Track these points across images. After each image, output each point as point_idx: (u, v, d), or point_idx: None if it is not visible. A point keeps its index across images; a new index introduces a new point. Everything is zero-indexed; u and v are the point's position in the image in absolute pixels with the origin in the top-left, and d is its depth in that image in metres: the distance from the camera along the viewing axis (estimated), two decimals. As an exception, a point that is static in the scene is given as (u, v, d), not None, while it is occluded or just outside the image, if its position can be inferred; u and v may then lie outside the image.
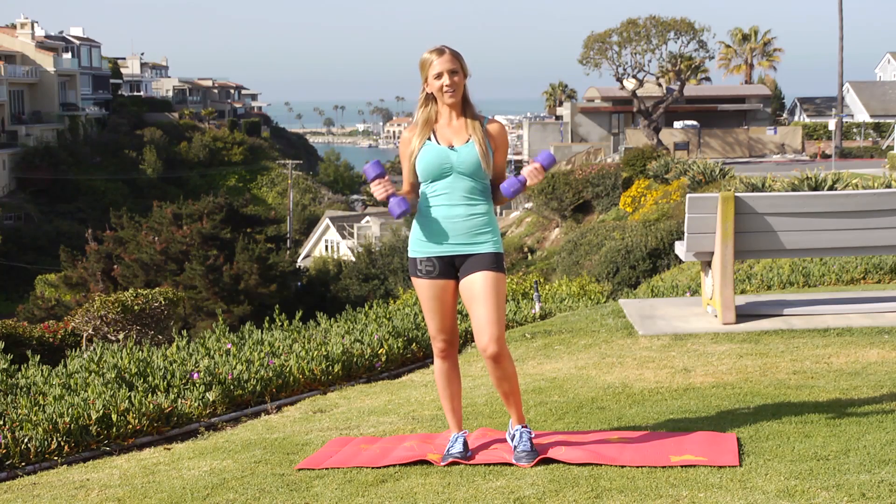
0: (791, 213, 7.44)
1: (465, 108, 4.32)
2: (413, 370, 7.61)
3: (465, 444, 4.42)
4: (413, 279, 4.39)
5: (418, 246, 4.34)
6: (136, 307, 12.78)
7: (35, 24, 72.29)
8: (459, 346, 6.70)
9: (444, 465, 4.32)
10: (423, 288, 4.34)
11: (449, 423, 4.52)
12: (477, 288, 4.24)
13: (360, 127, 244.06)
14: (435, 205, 4.28)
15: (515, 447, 4.34)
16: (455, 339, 4.43)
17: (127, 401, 5.72)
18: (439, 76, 4.23)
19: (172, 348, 7.21)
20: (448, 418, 4.50)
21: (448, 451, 4.39)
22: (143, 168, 69.69)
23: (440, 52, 4.26)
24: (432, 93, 4.29)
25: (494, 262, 4.27)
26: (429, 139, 4.29)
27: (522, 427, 4.38)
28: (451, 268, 4.33)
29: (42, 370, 6.74)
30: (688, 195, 7.56)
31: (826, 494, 3.64)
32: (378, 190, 4.21)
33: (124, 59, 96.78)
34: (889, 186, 18.58)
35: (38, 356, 6.96)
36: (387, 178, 4.25)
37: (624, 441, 4.49)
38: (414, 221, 4.38)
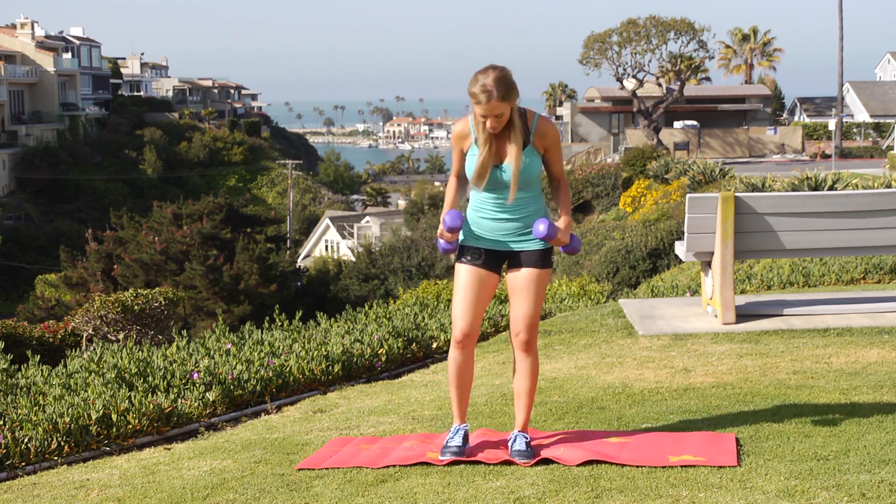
0: (791, 213, 7.44)
1: (513, 122, 4.27)
2: (413, 370, 7.61)
3: (466, 436, 4.45)
4: (456, 265, 4.45)
5: (470, 236, 4.43)
6: (136, 307, 12.77)
7: (35, 24, 72.29)
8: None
9: (445, 465, 4.33)
10: (463, 273, 4.40)
11: (453, 412, 4.52)
12: (521, 282, 4.37)
13: (360, 127, 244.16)
14: (484, 208, 4.39)
15: (511, 446, 4.38)
16: (475, 332, 4.44)
17: (127, 401, 5.72)
18: (484, 117, 4.23)
19: (172, 348, 7.20)
20: (454, 408, 4.52)
21: (447, 443, 4.42)
22: (143, 168, 69.68)
23: (488, 96, 4.15)
24: None
25: (541, 259, 4.38)
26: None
27: (519, 432, 4.42)
28: (496, 262, 4.42)
29: (42, 370, 6.74)
30: (688, 195, 7.56)
31: (826, 494, 3.64)
32: (443, 238, 4.35)
33: (124, 59, 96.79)
34: (889, 186, 18.58)
35: (38, 356, 6.96)
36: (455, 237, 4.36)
37: (623, 441, 4.50)
38: (467, 214, 4.47)
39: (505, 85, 4.17)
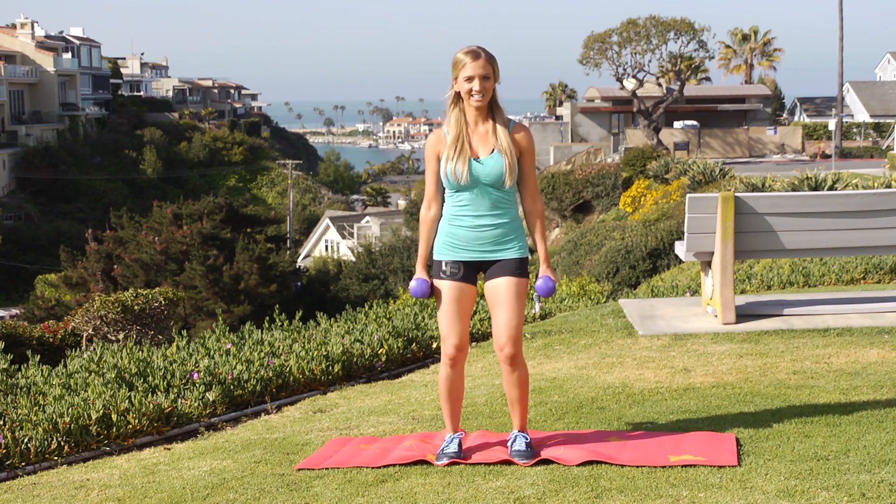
0: (791, 213, 7.44)
1: (493, 112, 4.30)
2: (413, 370, 7.61)
3: (460, 445, 4.44)
4: (434, 281, 4.39)
5: (445, 250, 4.36)
6: (136, 307, 12.77)
7: (35, 24, 72.30)
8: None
9: (444, 465, 4.33)
10: (444, 289, 4.35)
11: (446, 424, 4.52)
12: (500, 292, 4.30)
13: (360, 127, 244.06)
14: (461, 215, 4.32)
15: (510, 446, 4.38)
16: (465, 345, 4.40)
17: (127, 401, 5.72)
18: (470, 79, 4.22)
19: (172, 348, 7.20)
20: (446, 420, 4.51)
21: (443, 450, 4.42)
22: (143, 168, 69.70)
23: (475, 55, 4.22)
24: (460, 91, 4.28)
25: (518, 268, 4.32)
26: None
27: (519, 432, 4.42)
28: (474, 273, 4.37)
29: (42, 370, 6.74)
30: (688, 195, 7.56)
31: (826, 494, 3.64)
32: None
33: (124, 59, 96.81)
34: (889, 186, 18.58)
35: (38, 356, 6.95)
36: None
37: (623, 441, 4.50)
38: (440, 226, 4.40)
39: (489, 54, 4.26)
